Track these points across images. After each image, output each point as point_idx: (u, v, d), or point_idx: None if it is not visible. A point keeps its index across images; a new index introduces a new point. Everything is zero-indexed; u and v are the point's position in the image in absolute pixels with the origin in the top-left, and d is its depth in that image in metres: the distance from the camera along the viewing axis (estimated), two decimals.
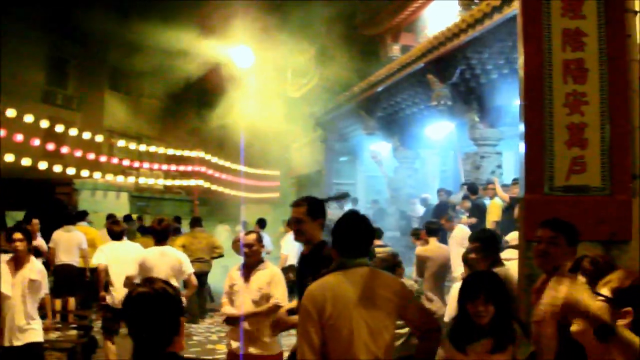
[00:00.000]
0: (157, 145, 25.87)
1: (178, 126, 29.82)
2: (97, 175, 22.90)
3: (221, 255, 13.33)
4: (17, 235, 6.67)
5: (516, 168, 16.54)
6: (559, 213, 4.52)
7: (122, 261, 8.61)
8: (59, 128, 20.91)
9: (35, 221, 12.32)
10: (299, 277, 4.86)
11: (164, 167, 26.24)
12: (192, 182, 26.83)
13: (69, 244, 12.27)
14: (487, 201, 12.59)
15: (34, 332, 6.71)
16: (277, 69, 23.51)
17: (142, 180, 25.26)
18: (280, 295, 6.05)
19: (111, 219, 11.59)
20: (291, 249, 12.39)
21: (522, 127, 5.30)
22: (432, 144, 18.17)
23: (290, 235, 13.49)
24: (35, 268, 6.78)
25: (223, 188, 27.77)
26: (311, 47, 22.09)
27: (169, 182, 26.75)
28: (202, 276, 12.45)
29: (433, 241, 9.24)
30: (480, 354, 3.76)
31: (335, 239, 3.93)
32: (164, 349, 2.67)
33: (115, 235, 8.95)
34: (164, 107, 29.41)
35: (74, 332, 10.53)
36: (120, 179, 23.92)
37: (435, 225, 9.63)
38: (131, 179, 24.65)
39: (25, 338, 6.60)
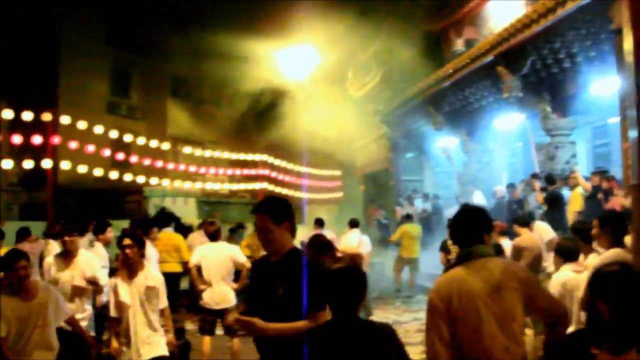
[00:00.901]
0: (221, 150, 26.19)
1: (240, 130, 30.15)
2: (165, 182, 23.38)
3: None
4: (126, 242, 6.27)
5: (589, 157, 16.47)
6: None
7: (217, 261, 8.86)
8: (127, 138, 21.40)
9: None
10: (257, 284, 4.41)
11: (229, 171, 26.59)
12: (256, 186, 27.09)
13: None
14: (565, 191, 12.51)
15: (158, 345, 6.34)
16: (338, 68, 23.60)
17: (209, 186, 25.58)
18: None
19: (207, 221, 11.82)
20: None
21: (633, 114, 5.25)
22: (500, 136, 18.09)
23: (350, 233, 13.67)
24: (151, 275, 6.38)
25: (287, 190, 27.95)
26: (372, 45, 22.14)
27: (234, 186, 27.04)
28: None
29: (526, 232, 9.29)
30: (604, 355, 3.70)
31: (453, 231, 4.05)
32: (355, 314, 3.41)
33: (211, 236, 9.16)
34: (225, 112, 29.76)
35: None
36: (187, 185, 24.34)
37: (525, 218, 9.71)
38: (198, 185, 24.98)
39: (150, 352, 6.22)
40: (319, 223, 13.64)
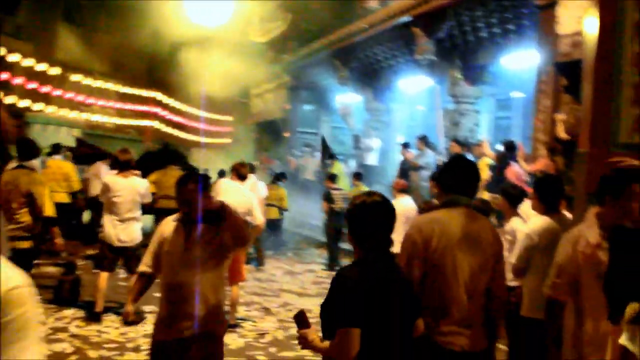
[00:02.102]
0: (111, 82, 25.23)
1: (133, 65, 29.03)
2: (49, 109, 22.25)
3: None
4: None
5: (490, 127, 16.88)
6: None
7: (124, 194, 8.35)
8: (13, 58, 20.16)
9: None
10: None
11: (118, 105, 25.66)
12: (145, 123, 26.36)
13: None
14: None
15: None
16: (243, 11, 22.96)
17: (95, 118, 24.58)
18: None
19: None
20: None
21: (587, 84, 5.33)
22: (403, 98, 18.30)
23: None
24: None
25: (176, 131, 27.35)
26: None
27: (122, 121, 26.14)
28: (169, 213, 12.05)
29: None
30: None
31: (444, 179, 4.03)
32: (388, 249, 3.20)
33: (122, 165, 8.58)
34: (119, 44, 28.43)
35: (55, 269, 10.09)
36: (73, 114, 23.31)
37: None
38: (84, 116, 23.96)
39: None
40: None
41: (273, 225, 15.06)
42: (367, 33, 15.86)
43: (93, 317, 8.26)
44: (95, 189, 12.21)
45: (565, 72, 9.53)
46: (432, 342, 3.63)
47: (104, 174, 11.34)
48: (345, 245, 14.60)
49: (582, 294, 3.86)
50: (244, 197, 8.33)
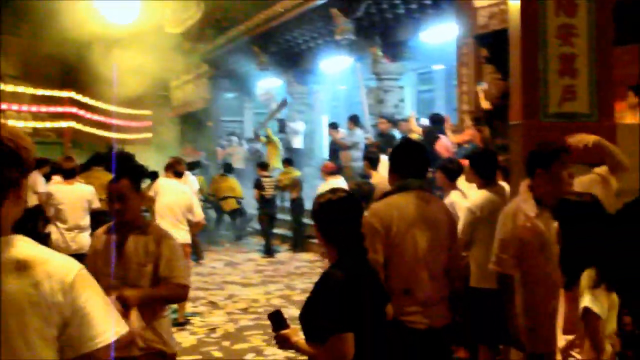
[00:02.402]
0: (23, 86, 24.41)
1: (46, 66, 28.14)
2: None
3: None
4: None
5: (414, 102, 17.15)
6: (553, 138, 4.78)
7: (73, 202, 8.20)
8: None
9: None
10: None
11: (33, 108, 24.86)
12: (62, 124, 25.58)
13: None
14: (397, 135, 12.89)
15: None
16: (154, 4, 22.52)
17: (10, 123, 23.73)
18: None
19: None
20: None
21: (515, 58, 5.49)
22: (325, 79, 18.38)
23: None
24: None
25: (95, 130, 26.62)
26: None
27: (38, 125, 25.31)
28: (97, 216, 11.85)
29: (376, 173, 9.26)
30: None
31: (396, 162, 4.10)
32: (361, 244, 3.17)
33: (67, 173, 8.41)
34: (29, 46, 27.50)
35: None
36: None
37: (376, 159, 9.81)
38: None
39: None
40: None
41: (235, 215, 15.60)
42: (285, 17, 15.84)
43: None
44: (31, 200, 11.85)
45: (485, 43, 9.76)
46: (398, 322, 3.71)
47: (40, 184, 10.98)
48: (280, 231, 14.76)
49: (528, 264, 4.07)
50: (183, 194, 8.29)
